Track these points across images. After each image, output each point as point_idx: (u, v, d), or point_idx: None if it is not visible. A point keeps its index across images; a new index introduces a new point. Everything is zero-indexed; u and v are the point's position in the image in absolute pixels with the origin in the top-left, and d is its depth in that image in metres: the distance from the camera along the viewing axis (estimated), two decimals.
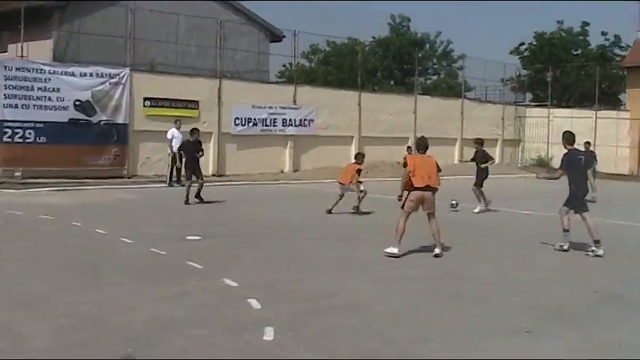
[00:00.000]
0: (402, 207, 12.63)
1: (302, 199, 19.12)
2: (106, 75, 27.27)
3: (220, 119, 30.27)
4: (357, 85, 37.10)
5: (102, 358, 6.85)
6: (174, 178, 25.56)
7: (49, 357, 6.81)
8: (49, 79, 26.05)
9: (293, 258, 12.27)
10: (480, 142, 21.43)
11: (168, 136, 25.98)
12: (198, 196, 19.57)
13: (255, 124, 31.45)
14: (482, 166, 20.58)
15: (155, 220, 16.31)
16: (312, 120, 33.46)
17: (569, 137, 13.71)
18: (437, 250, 12.53)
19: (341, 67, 48.91)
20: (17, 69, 25.62)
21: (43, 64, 26.51)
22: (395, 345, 7.53)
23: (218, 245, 13.33)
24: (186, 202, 19.26)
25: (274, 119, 31.92)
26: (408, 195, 12.62)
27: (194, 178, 19.82)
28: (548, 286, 10.57)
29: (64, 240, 13.45)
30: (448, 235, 13.47)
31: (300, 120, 32.90)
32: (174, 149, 25.53)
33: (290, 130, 32.57)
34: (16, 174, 25.31)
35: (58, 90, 26.15)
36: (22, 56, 26.55)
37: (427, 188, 12.55)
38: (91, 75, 26.97)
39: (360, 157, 18.84)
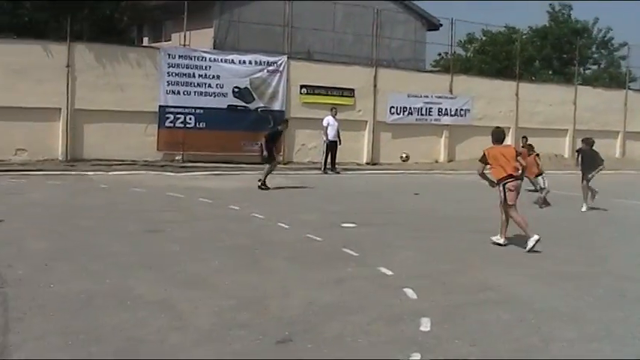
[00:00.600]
0: (506, 201, 12.17)
1: (458, 189, 18.82)
2: (264, 63, 27.82)
3: (375, 108, 30.27)
4: (514, 74, 36.21)
5: (259, 339, 6.94)
6: (328, 166, 25.76)
7: (210, 337, 6.98)
8: (210, 67, 26.83)
9: (449, 249, 12.08)
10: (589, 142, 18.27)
11: (324, 123, 26.20)
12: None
13: (410, 113, 31.29)
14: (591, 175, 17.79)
15: (310, 206, 16.46)
16: (468, 110, 32.94)
17: None
18: (530, 244, 11.88)
19: (497, 57, 47.87)
20: (180, 57, 26.53)
21: (204, 51, 27.34)
22: (554, 344, 7.25)
23: (373, 233, 13.30)
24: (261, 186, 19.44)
25: (430, 108, 31.65)
26: (504, 188, 12.17)
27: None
28: None
29: (222, 223, 13.78)
30: (604, 231, 12.93)
31: (456, 110, 32.46)
32: (330, 137, 25.76)
33: (445, 120, 32.21)
34: (177, 158, 26.26)
35: (218, 77, 26.91)
36: (184, 45, 27.43)
37: (511, 177, 12.11)
38: (249, 62, 27.58)
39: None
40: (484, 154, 12.41)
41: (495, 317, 8.01)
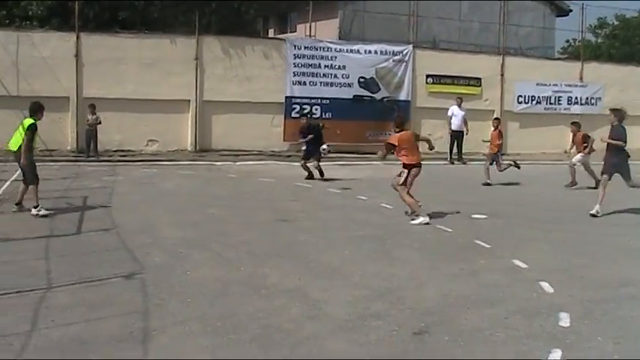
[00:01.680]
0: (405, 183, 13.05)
1: (589, 181, 18.18)
2: (389, 52, 27.68)
3: (503, 97, 29.69)
4: None
5: (395, 330, 6.89)
6: (454, 156, 25.44)
7: (345, 328, 6.96)
8: (335, 57, 26.89)
9: (585, 242, 11.69)
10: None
11: (449, 113, 25.89)
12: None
13: (538, 102, 30.52)
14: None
15: (438, 197, 16.24)
16: (600, 98, 31.83)
17: None
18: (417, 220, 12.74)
19: (629, 41, 46.20)
20: (305, 47, 26.69)
21: (330, 42, 27.44)
22: None
23: (505, 225, 13.02)
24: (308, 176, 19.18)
25: (559, 97, 30.77)
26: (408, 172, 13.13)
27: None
28: None
29: (351, 213, 13.78)
30: None
31: (587, 98, 31.44)
32: (453, 127, 25.45)
33: (575, 109, 31.18)
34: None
35: (344, 67, 26.93)
36: (310, 35, 27.60)
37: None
38: (375, 52, 27.50)
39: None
40: (393, 141, 13.36)
41: (639, 314, 7.70)
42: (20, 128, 12.80)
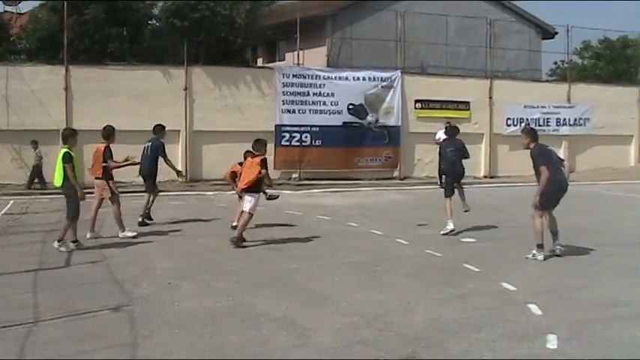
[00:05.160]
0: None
1: (581, 201, 18.22)
2: (377, 78, 27.85)
3: (492, 120, 29.85)
4: (636, 80, 35.00)
5: (384, 357, 6.89)
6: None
7: (333, 355, 6.96)
8: (324, 85, 27.04)
9: (571, 262, 11.70)
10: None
11: (436, 137, 25.98)
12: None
13: (527, 124, 30.63)
14: None
15: (427, 221, 16.28)
16: (588, 119, 32.04)
17: None
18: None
19: (614, 61, 46.59)
20: (294, 76, 26.88)
21: (318, 70, 27.59)
22: None
23: (494, 248, 13.06)
24: None
25: (547, 119, 30.91)
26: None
27: None
28: None
29: (342, 240, 13.78)
30: None
31: (575, 119, 31.63)
32: None
33: (564, 130, 31.38)
34: (294, 176, 26.54)
35: (333, 94, 27.09)
36: (298, 64, 27.75)
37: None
38: (363, 79, 27.68)
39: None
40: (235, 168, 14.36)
41: (628, 335, 7.71)
42: (59, 161, 12.23)
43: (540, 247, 11.74)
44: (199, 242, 13.41)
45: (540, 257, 11.67)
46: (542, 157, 11.99)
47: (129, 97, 24.80)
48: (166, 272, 10.62)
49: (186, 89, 25.56)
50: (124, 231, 13.60)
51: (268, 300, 8.99)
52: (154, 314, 8.28)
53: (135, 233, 13.73)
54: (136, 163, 15.37)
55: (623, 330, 7.86)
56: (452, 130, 15.89)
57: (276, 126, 26.45)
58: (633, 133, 33.15)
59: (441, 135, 25.83)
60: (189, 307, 8.62)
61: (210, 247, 12.98)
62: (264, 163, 12.82)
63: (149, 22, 29.48)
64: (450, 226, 14.20)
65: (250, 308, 8.58)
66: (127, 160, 14.41)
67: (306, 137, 26.72)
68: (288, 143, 26.42)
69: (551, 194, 11.75)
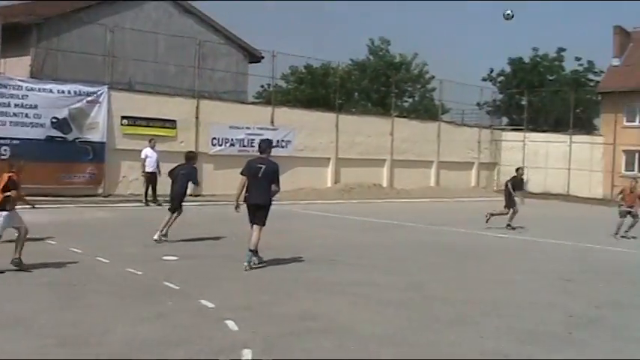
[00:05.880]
0: None
1: (280, 220, 18.91)
2: (83, 93, 27.15)
3: (198, 139, 30.23)
4: (334, 106, 37.21)
5: None
6: (149, 197, 25.49)
7: None
8: (27, 96, 25.87)
9: (270, 279, 12.21)
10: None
11: (142, 155, 25.96)
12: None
13: (232, 145, 31.47)
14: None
15: (131, 239, 16.18)
16: (290, 141, 33.52)
17: None
18: None
19: (314, 85, 49.33)
20: None
21: (21, 80, 26.33)
22: None
23: (195, 265, 13.28)
24: None
25: (252, 140, 31.76)
26: None
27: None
28: (525, 309, 10.64)
29: (38, 259, 13.26)
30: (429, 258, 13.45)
31: (278, 141, 32.78)
32: (148, 169, 25.57)
33: None
34: None
35: (36, 107, 25.97)
36: None
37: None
38: (68, 92, 26.83)
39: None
40: None
41: (317, 345, 8.20)
42: None
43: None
44: None
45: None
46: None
47: None
48: None
49: None
50: None
51: None
52: None
53: None
54: None
55: (313, 341, 8.36)
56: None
57: None
58: (330, 156, 35.10)
59: (147, 152, 25.88)
60: None
61: None
62: None
63: None
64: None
65: None
66: None
67: (5, 150, 25.36)
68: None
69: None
